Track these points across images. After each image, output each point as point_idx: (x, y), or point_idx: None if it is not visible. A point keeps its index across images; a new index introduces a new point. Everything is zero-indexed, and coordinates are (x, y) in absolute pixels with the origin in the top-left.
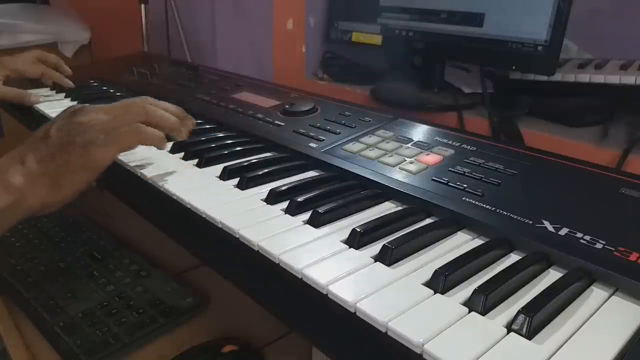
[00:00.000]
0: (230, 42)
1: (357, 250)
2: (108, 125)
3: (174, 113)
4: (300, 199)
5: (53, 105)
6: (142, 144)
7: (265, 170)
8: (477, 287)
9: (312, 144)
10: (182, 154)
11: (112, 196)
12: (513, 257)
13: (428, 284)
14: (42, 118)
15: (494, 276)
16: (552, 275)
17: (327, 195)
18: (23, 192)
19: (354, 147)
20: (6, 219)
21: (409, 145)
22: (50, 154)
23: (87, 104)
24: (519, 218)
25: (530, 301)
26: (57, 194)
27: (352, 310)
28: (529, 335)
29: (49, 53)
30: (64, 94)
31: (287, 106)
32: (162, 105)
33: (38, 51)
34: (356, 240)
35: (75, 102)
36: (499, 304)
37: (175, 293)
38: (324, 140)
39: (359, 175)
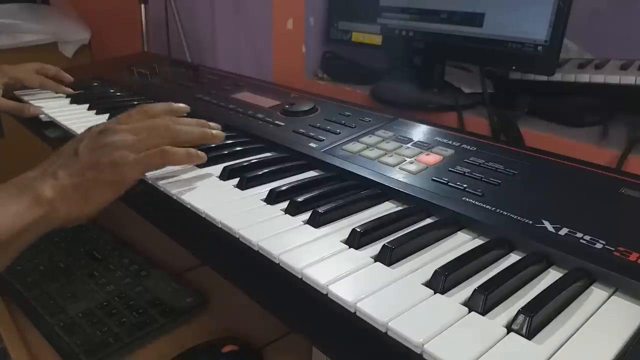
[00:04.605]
0: (230, 42)
1: (357, 250)
2: (135, 147)
3: (198, 124)
4: (300, 199)
5: (53, 105)
6: (169, 165)
7: (265, 170)
8: (477, 287)
9: (312, 144)
10: None
11: None
12: (513, 257)
13: (428, 284)
14: (42, 118)
15: (494, 276)
16: (552, 275)
17: (327, 195)
18: (54, 205)
19: (354, 147)
20: (36, 230)
21: (409, 145)
22: (81, 171)
23: (112, 123)
24: (519, 218)
25: (530, 301)
26: (84, 208)
27: (352, 310)
28: (529, 335)
29: (48, 65)
30: (64, 95)
31: (287, 106)
32: (184, 122)
33: (38, 64)
34: (356, 240)
35: (75, 103)
36: (499, 304)
37: (175, 293)
38: (324, 140)
39: (359, 175)
